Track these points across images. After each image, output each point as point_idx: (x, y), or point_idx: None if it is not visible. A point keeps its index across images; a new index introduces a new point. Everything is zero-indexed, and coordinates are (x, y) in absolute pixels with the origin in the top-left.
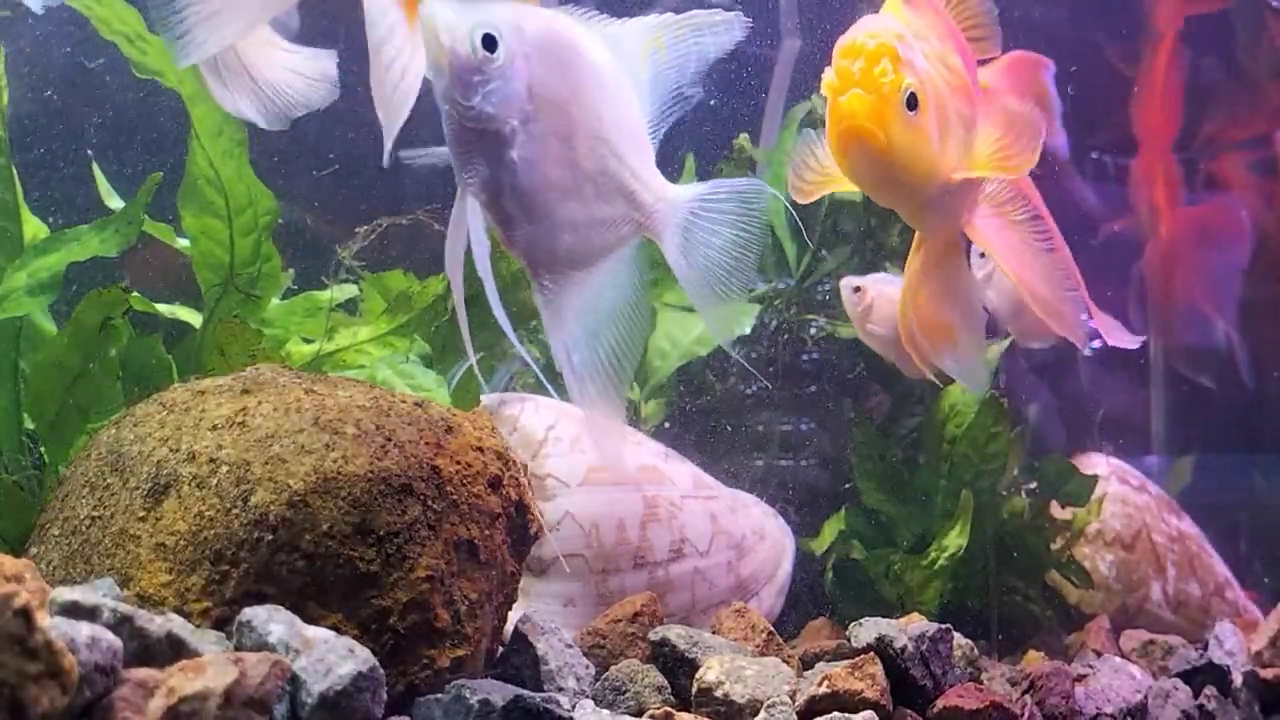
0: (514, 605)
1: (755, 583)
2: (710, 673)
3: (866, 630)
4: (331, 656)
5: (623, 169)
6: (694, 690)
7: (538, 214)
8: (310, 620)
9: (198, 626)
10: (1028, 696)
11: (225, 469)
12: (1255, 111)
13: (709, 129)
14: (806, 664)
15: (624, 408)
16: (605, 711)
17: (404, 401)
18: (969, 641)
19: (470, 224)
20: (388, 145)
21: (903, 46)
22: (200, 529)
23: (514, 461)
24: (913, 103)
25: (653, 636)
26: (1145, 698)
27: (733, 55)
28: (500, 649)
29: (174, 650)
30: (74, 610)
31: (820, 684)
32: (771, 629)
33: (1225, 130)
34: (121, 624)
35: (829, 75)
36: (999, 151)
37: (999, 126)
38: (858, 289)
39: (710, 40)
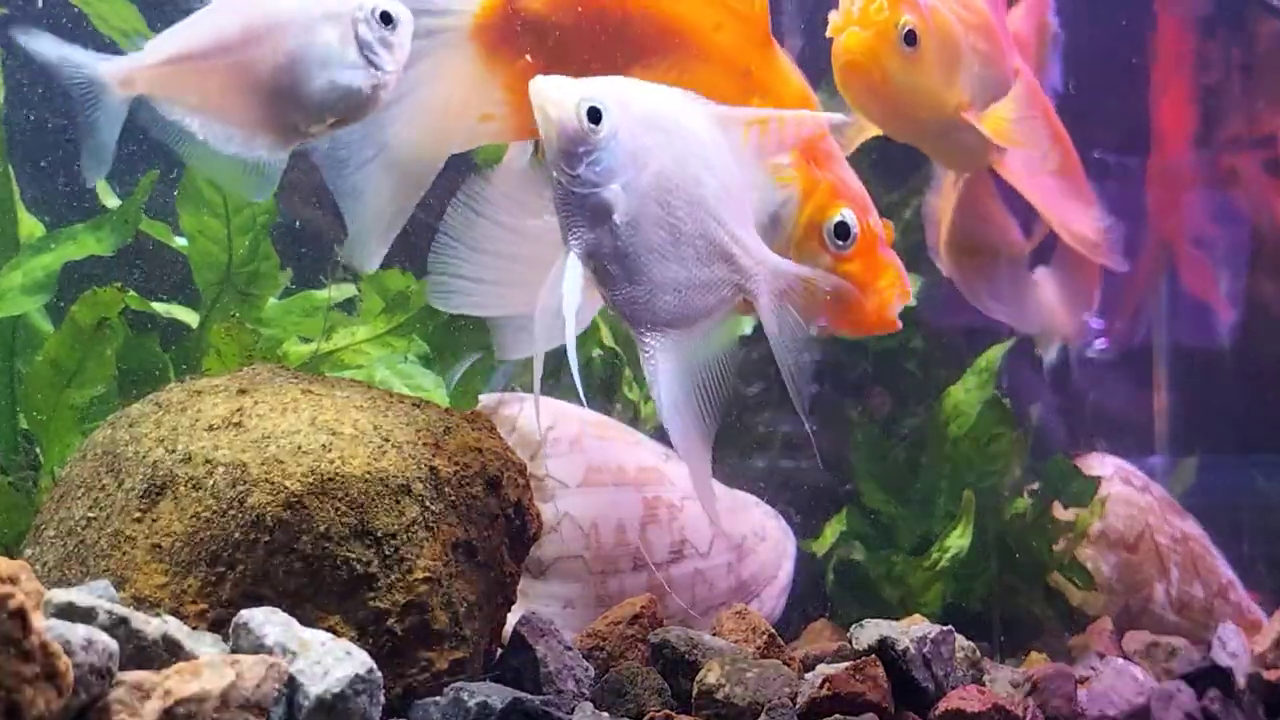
0: (513, 607)
1: (756, 584)
2: (711, 675)
3: (868, 632)
4: (328, 658)
5: (721, 233)
6: (694, 692)
7: (639, 275)
8: (307, 622)
9: (194, 628)
10: (1030, 699)
11: (221, 470)
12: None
13: None
14: (808, 666)
15: (711, 458)
16: (605, 714)
17: (402, 402)
18: (971, 643)
19: (567, 280)
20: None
21: None
22: (196, 530)
23: (513, 462)
24: (911, 38)
25: (653, 639)
26: (1148, 700)
27: None
28: (499, 651)
29: (170, 652)
30: (69, 612)
31: (821, 686)
32: (772, 631)
33: (1240, 127)
34: (117, 626)
35: (833, 15)
36: (1010, 120)
37: (1018, 101)
38: None
39: (806, 132)
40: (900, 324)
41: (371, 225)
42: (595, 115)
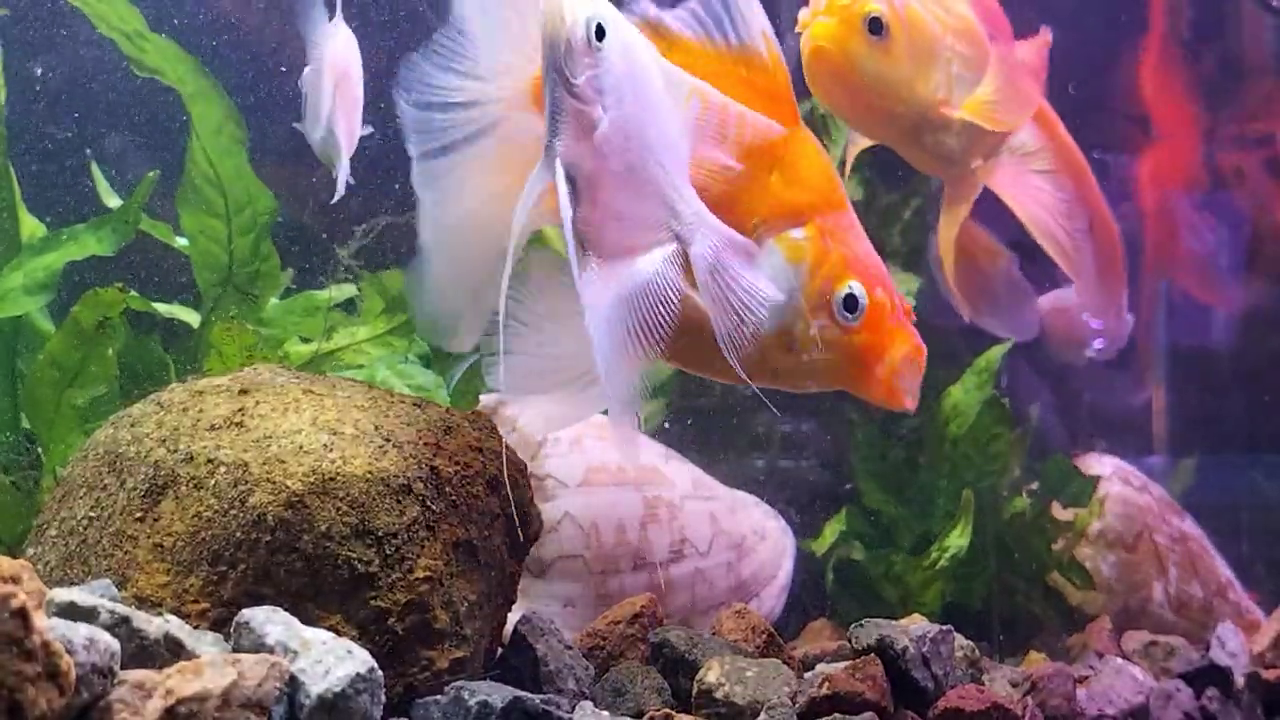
0: (513, 606)
1: (756, 584)
2: (710, 674)
3: (867, 631)
4: (330, 658)
5: (667, 180)
6: (694, 692)
7: (597, 199)
8: (308, 621)
9: (195, 628)
10: (1029, 698)
11: (223, 469)
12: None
13: None
14: (807, 665)
15: (639, 401)
16: (605, 713)
17: (403, 402)
18: (970, 643)
19: (559, 187)
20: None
21: None
22: (198, 530)
23: (513, 462)
24: (877, 26)
25: (653, 638)
26: (1147, 699)
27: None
28: (499, 650)
29: (172, 651)
30: (71, 611)
31: (821, 685)
32: (772, 630)
33: (1238, 125)
34: (119, 625)
35: (802, 12)
36: (990, 101)
37: (996, 78)
38: None
39: (750, 134)
40: (913, 403)
41: (454, 306)
42: (600, 33)
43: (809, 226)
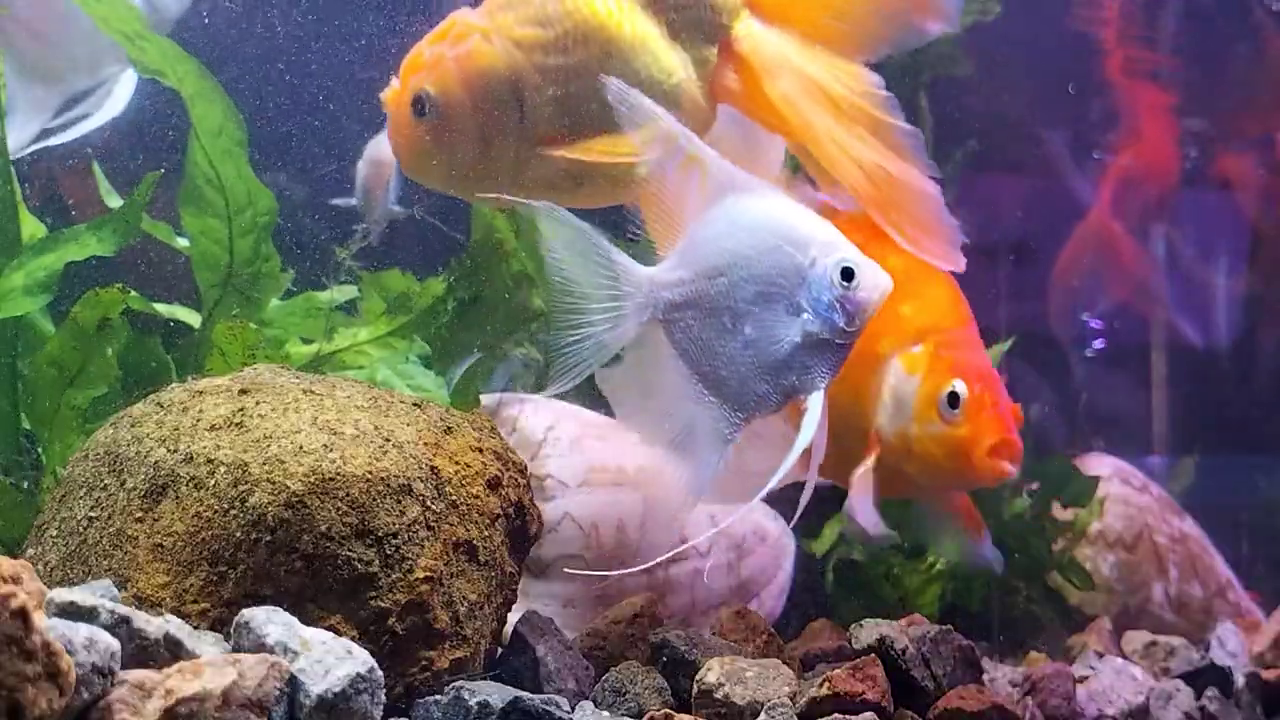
0: (513, 606)
1: (756, 584)
2: (710, 674)
3: (867, 631)
4: (330, 658)
5: None
6: (694, 692)
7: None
8: (308, 621)
9: (195, 628)
10: (1029, 698)
11: (223, 469)
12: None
13: None
14: (807, 665)
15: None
16: (605, 713)
17: (403, 402)
18: (970, 642)
19: (809, 417)
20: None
21: (430, 49)
22: (198, 530)
23: (513, 462)
24: (420, 108)
25: (653, 638)
26: (1147, 699)
27: None
28: (499, 650)
29: (172, 651)
30: (72, 611)
31: (821, 685)
32: (772, 630)
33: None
34: (119, 625)
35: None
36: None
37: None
38: None
39: None
40: (1007, 469)
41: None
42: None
43: (926, 343)
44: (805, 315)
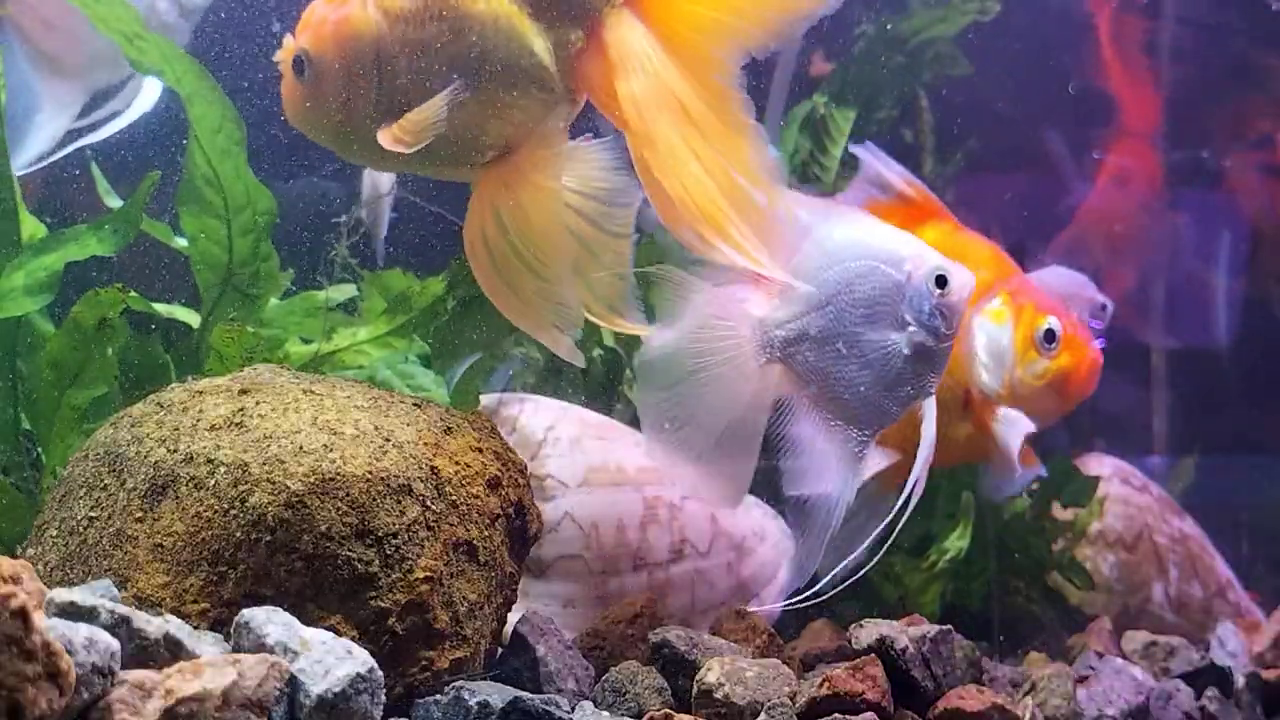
0: (513, 606)
1: (756, 584)
2: (710, 674)
3: (867, 631)
4: (330, 658)
5: None
6: (694, 692)
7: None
8: (308, 621)
9: (195, 628)
10: (1029, 698)
11: (223, 470)
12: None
13: None
14: (807, 665)
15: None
16: (605, 713)
17: (403, 402)
18: (970, 643)
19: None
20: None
21: (319, 10)
22: (198, 530)
23: (513, 462)
24: (299, 68)
25: (653, 638)
26: (1147, 699)
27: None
28: (499, 650)
29: (172, 652)
30: (71, 611)
31: (821, 685)
32: (772, 630)
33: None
34: (119, 625)
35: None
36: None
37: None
38: None
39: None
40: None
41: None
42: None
43: (1001, 294)
44: (910, 328)
